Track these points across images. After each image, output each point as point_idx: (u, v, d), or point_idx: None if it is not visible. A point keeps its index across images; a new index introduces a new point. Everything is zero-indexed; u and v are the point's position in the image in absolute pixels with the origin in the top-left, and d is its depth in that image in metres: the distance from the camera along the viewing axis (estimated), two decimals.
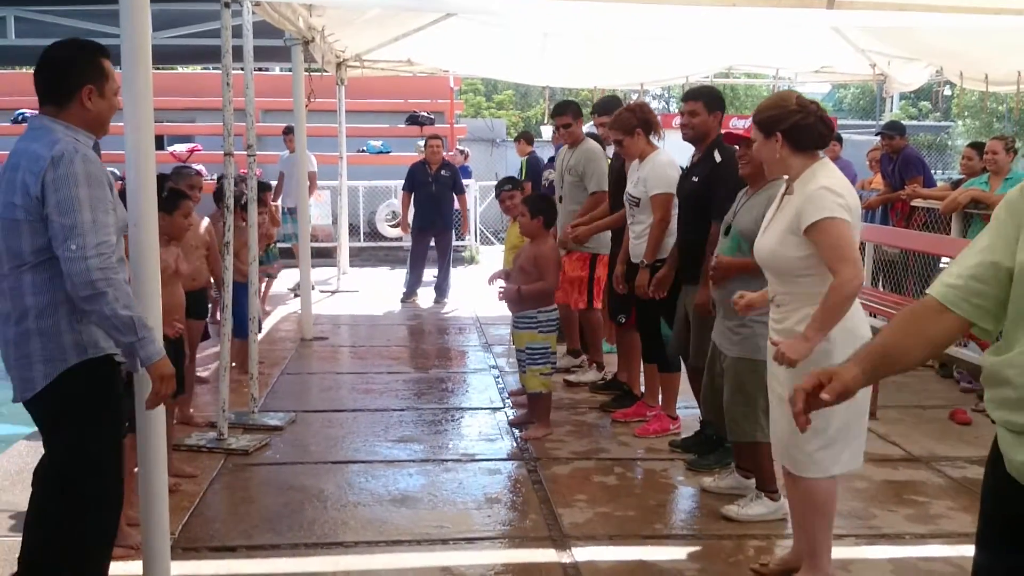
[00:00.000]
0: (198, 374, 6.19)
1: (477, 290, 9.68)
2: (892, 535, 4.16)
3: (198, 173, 6.69)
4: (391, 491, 4.59)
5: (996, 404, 1.99)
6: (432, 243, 10.28)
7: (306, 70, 8.30)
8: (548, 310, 5.47)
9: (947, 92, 13.81)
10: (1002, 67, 8.54)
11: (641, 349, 5.78)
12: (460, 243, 13.13)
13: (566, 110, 6.74)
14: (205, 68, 16.42)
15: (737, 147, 4.29)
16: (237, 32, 5.50)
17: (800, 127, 3.39)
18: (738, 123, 16.15)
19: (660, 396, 5.64)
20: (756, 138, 3.51)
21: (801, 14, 6.12)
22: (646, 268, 5.32)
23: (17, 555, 3.05)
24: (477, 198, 14.68)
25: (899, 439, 5.45)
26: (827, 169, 3.42)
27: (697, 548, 4.00)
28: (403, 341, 8.42)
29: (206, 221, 5.89)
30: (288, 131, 10.32)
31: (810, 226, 3.26)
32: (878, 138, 8.84)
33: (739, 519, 4.19)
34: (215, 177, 9.00)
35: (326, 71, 9.95)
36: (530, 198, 6.00)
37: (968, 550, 3.78)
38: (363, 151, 14.91)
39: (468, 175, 13.81)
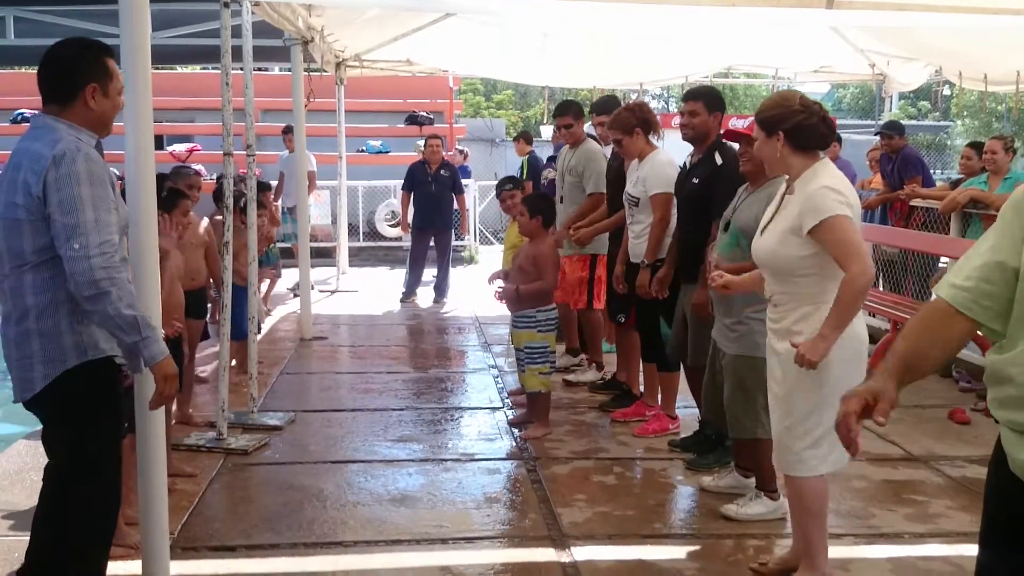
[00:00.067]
0: (197, 374, 6.19)
1: (476, 290, 9.68)
2: (891, 534, 4.16)
3: (197, 173, 6.70)
4: (390, 491, 4.59)
5: (999, 403, 1.98)
6: (431, 243, 10.29)
7: (305, 70, 8.31)
8: (547, 309, 5.47)
9: (946, 92, 13.82)
10: (1001, 67, 8.54)
11: (640, 348, 5.79)
12: (459, 243, 13.13)
13: (567, 110, 6.74)
14: (204, 68, 16.40)
15: (738, 146, 4.30)
16: (236, 32, 5.50)
17: (803, 127, 3.40)
18: (737, 123, 16.14)
19: (659, 396, 5.64)
20: (758, 136, 3.51)
21: (800, 14, 6.12)
22: (647, 268, 5.32)
23: (15, 554, 3.05)
24: (476, 198, 14.68)
25: (898, 438, 5.45)
26: (828, 169, 3.42)
27: (696, 547, 4.00)
28: (402, 341, 8.42)
29: (205, 221, 5.89)
30: (287, 131, 10.32)
31: (815, 227, 3.26)
32: (877, 138, 8.84)
33: (738, 518, 4.19)
34: (214, 177, 9.01)
35: (325, 71, 9.95)
36: (529, 197, 6.00)
37: (967, 549, 3.82)
38: (362, 151, 14.91)
39: (467, 175, 13.81)
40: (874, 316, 7.30)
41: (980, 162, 7.34)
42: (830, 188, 3.30)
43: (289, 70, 8.71)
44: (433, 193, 10.08)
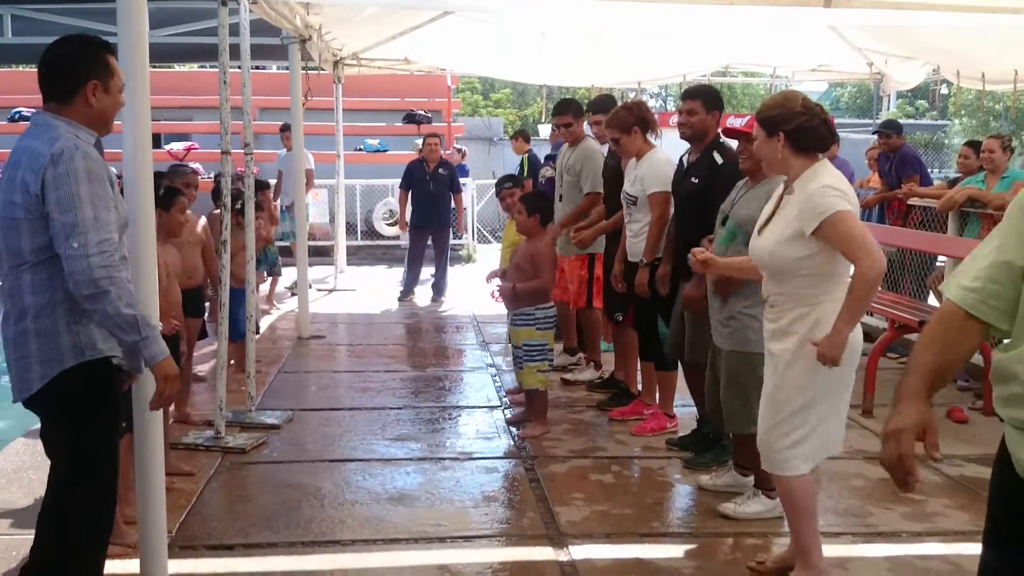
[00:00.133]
0: (195, 372, 6.18)
1: (474, 288, 9.67)
2: (889, 533, 4.17)
3: (194, 171, 6.70)
4: (388, 489, 4.59)
5: (1004, 401, 1.97)
6: (429, 241, 10.29)
7: (303, 68, 8.30)
8: (545, 307, 5.48)
9: (944, 91, 13.79)
10: (999, 66, 8.55)
11: (638, 347, 5.79)
12: (457, 241, 13.12)
13: (567, 109, 6.73)
14: (202, 66, 16.40)
15: (736, 144, 4.30)
16: (234, 30, 5.48)
17: (804, 129, 3.40)
18: (735, 122, 16.11)
19: (657, 394, 5.64)
20: (758, 135, 3.52)
21: (798, 13, 6.12)
22: (646, 267, 5.32)
23: (14, 552, 3.05)
24: (474, 196, 14.67)
25: None
26: (827, 169, 3.44)
27: (694, 546, 4.01)
28: (400, 339, 8.42)
29: (203, 219, 5.88)
30: (285, 129, 10.31)
31: (818, 227, 3.26)
32: (875, 137, 8.85)
33: (736, 517, 4.20)
34: (212, 175, 9.01)
35: (323, 69, 9.94)
36: (526, 196, 6.01)
37: (965, 548, 3.82)
38: (360, 149, 14.89)
39: (465, 173, 13.81)
40: (872, 315, 7.30)
41: (978, 161, 7.34)
42: (830, 187, 3.31)
43: (287, 68, 8.71)
44: (431, 192, 10.08)
